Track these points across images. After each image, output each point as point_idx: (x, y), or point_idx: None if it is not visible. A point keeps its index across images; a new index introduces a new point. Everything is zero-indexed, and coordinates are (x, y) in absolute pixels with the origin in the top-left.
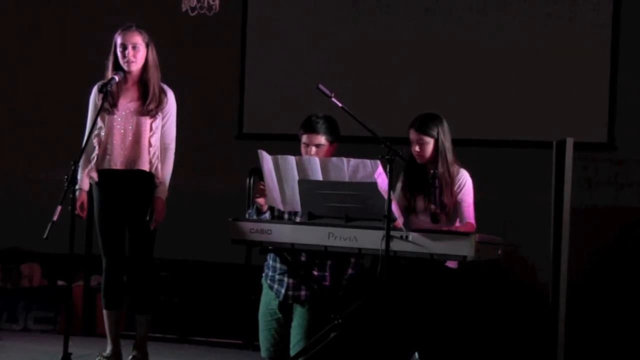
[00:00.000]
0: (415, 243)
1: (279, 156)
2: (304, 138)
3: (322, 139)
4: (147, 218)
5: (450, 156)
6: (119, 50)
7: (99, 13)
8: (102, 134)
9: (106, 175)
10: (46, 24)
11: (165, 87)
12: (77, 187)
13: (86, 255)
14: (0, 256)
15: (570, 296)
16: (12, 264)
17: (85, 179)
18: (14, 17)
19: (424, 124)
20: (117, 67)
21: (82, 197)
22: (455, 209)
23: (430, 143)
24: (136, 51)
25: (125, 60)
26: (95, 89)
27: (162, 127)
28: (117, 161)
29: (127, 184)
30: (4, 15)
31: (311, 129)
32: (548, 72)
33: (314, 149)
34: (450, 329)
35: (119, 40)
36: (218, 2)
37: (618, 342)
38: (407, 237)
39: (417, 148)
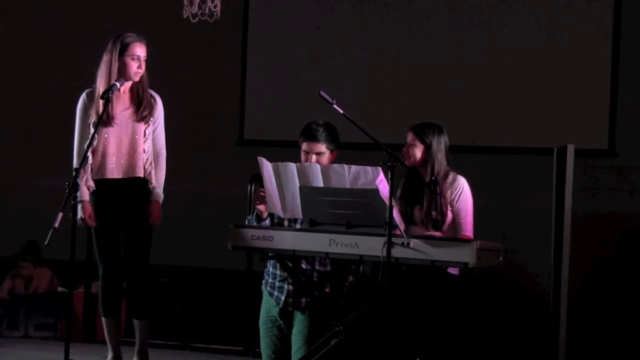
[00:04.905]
0: (416, 250)
1: (279, 163)
2: (304, 146)
3: (322, 147)
4: (144, 222)
5: (439, 167)
6: (131, 59)
7: (100, 19)
8: (98, 143)
9: (103, 185)
10: (46, 30)
11: (153, 93)
12: (79, 199)
13: (87, 262)
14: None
15: (571, 303)
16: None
17: (84, 189)
18: (14, 22)
19: (421, 129)
20: (119, 74)
21: (88, 208)
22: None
23: (420, 147)
24: (145, 63)
25: (138, 71)
26: (83, 97)
27: (153, 132)
28: (114, 170)
29: (124, 192)
30: (3, 21)
31: (311, 137)
32: (548, 78)
33: (314, 157)
34: (451, 335)
35: (136, 51)
36: (219, 8)
37: (619, 350)
38: (408, 243)
39: (406, 148)
